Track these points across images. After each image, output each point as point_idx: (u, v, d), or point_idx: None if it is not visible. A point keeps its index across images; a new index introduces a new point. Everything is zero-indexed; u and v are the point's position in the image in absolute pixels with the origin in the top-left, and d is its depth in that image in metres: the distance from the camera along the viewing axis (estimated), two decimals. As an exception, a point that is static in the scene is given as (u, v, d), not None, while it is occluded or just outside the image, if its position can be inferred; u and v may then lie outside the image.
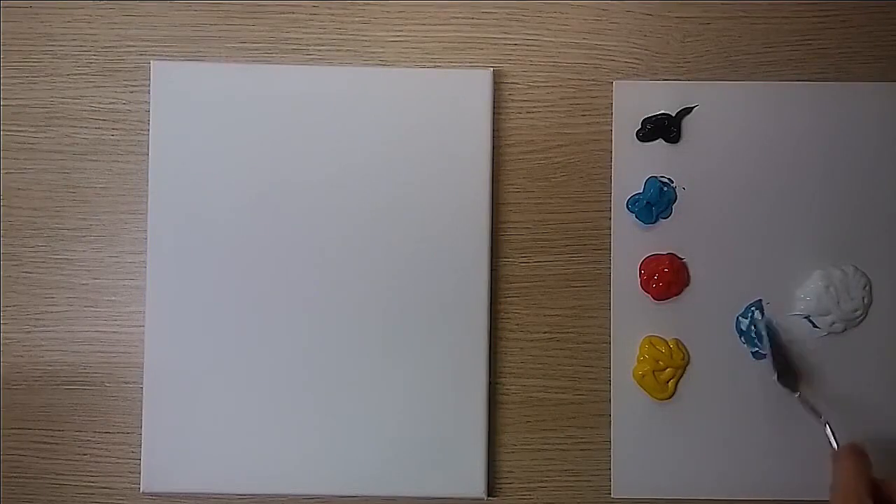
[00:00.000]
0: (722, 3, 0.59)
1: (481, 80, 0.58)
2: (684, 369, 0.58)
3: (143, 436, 0.57)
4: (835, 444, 0.54)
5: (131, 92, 0.59)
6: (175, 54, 0.59)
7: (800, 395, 0.56)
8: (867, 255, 0.58)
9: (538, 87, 0.59)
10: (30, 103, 0.59)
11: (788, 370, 0.57)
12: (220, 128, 0.58)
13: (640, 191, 0.58)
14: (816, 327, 0.58)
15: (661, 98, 0.58)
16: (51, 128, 0.59)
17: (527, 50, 0.59)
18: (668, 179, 0.58)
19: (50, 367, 0.59)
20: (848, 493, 0.50)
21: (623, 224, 0.58)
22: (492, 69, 0.58)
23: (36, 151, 0.59)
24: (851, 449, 0.52)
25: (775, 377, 0.56)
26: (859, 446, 0.52)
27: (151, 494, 0.58)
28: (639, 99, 0.58)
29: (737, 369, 0.58)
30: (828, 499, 0.51)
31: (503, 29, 0.59)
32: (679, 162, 0.58)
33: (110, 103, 0.59)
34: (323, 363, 0.57)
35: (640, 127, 0.58)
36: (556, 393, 0.59)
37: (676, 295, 0.58)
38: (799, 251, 0.58)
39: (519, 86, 0.59)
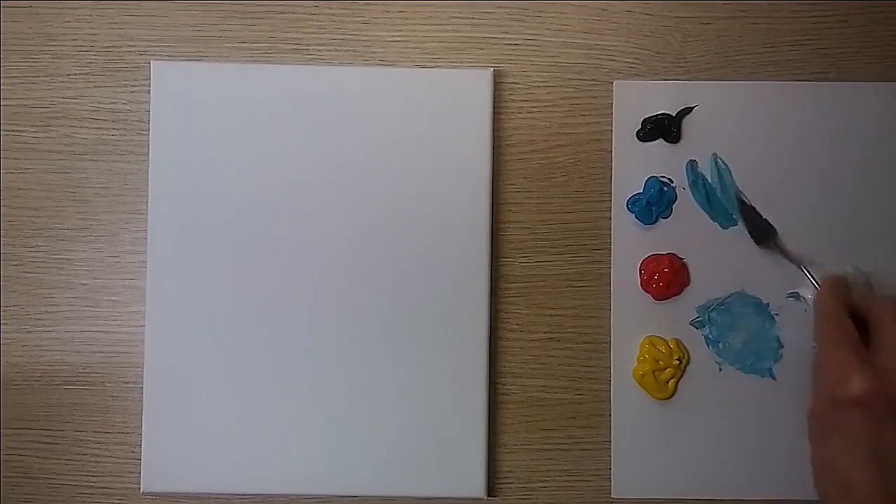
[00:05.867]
0: (722, 3, 0.59)
1: (481, 80, 0.58)
2: (684, 369, 0.58)
3: (143, 436, 0.57)
4: (815, 285, 0.55)
5: (131, 92, 0.59)
6: (175, 54, 0.59)
7: (777, 246, 0.57)
8: (867, 255, 0.58)
9: (538, 87, 0.59)
10: (30, 103, 0.59)
11: (759, 225, 0.57)
12: (220, 128, 0.58)
13: (640, 191, 0.58)
14: (816, 327, 0.58)
15: (661, 98, 0.58)
16: (51, 128, 0.59)
17: (527, 50, 0.59)
18: (668, 179, 0.58)
19: (50, 367, 0.59)
20: (827, 317, 0.52)
21: (623, 224, 0.58)
22: (492, 69, 0.58)
23: (36, 151, 0.59)
24: (830, 278, 0.54)
25: (752, 239, 0.57)
26: (838, 275, 0.55)
27: (151, 494, 0.58)
28: (639, 99, 0.58)
29: (736, 369, 0.58)
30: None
31: (503, 29, 0.59)
32: (679, 162, 0.58)
33: (110, 103, 0.59)
34: (323, 363, 0.57)
35: (640, 127, 0.58)
36: (556, 393, 0.59)
37: (676, 295, 0.58)
38: (799, 251, 0.58)
39: (519, 86, 0.59)
